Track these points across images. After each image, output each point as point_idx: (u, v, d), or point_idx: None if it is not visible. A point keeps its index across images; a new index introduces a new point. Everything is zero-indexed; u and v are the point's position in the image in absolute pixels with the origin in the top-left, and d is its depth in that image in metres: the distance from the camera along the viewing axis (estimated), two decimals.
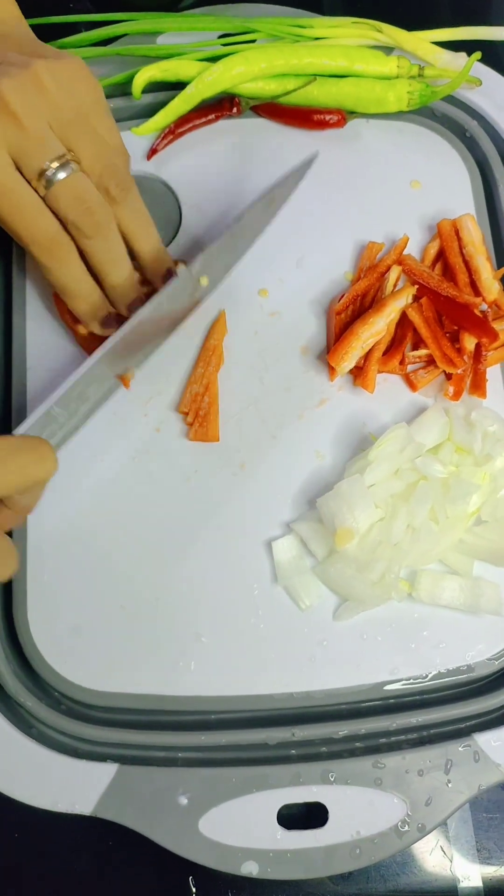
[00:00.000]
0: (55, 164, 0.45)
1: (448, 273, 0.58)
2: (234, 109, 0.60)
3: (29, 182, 0.46)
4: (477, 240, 0.57)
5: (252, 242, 0.55)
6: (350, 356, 0.54)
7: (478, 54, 0.59)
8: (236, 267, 0.56)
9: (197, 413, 0.54)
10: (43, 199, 0.46)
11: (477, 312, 0.55)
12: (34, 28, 0.61)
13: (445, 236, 0.58)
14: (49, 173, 0.45)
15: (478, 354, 0.55)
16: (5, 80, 0.44)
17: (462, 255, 0.57)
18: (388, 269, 0.56)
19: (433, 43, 0.62)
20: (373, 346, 0.55)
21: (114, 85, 0.60)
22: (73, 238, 0.48)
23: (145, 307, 0.49)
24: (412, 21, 0.62)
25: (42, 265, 0.48)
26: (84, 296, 0.50)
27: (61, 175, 0.46)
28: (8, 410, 0.55)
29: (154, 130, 0.59)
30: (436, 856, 0.52)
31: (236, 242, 0.53)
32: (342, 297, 0.56)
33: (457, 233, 0.58)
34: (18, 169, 0.45)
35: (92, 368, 0.48)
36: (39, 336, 0.56)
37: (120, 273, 0.50)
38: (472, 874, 0.52)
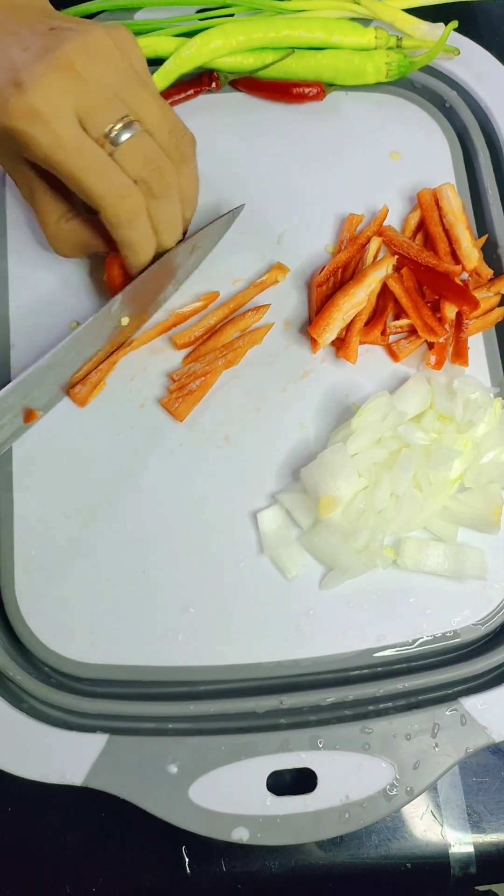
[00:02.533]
0: (119, 125, 0.46)
1: (429, 243, 0.58)
2: (213, 84, 0.60)
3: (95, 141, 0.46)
4: (457, 209, 0.57)
5: (177, 286, 0.56)
6: (331, 328, 0.54)
7: (454, 23, 0.59)
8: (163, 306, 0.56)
9: (182, 388, 0.54)
10: (112, 159, 0.46)
11: (457, 281, 0.55)
12: None
13: (426, 206, 0.58)
14: (114, 134, 0.45)
15: (459, 323, 0.55)
16: (68, 43, 0.44)
17: (442, 224, 0.57)
18: (369, 240, 0.57)
19: (414, 10, 0.62)
20: (354, 318, 0.55)
21: None
22: None
23: (63, 341, 0.50)
24: None
25: (113, 221, 0.47)
26: (147, 252, 0.50)
27: (126, 135, 0.46)
28: None
29: None
30: (427, 821, 0.53)
31: (160, 282, 0.53)
32: (323, 269, 0.56)
33: (437, 202, 0.58)
34: (84, 129, 0.45)
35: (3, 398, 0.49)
36: (25, 312, 0.56)
37: (174, 236, 0.51)
38: (463, 838, 0.52)
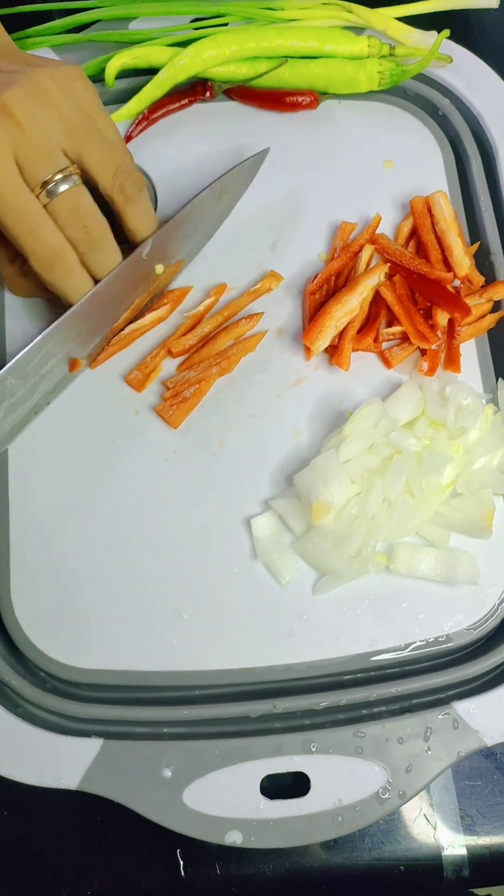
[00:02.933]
0: (59, 176, 0.46)
1: (421, 250, 0.58)
2: (207, 94, 0.61)
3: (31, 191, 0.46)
4: (449, 216, 0.57)
5: (208, 235, 0.56)
6: (324, 335, 0.54)
7: (446, 32, 0.59)
8: (195, 259, 0.56)
9: (177, 395, 0.55)
10: (45, 209, 0.46)
11: (449, 288, 0.55)
12: (7, 17, 0.62)
13: (418, 213, 0.58)
14: (52, 185, 0.45)
15: (451, 330, 0.55)
16: (10, 89, 0.44)
17: (434, 231, 0.58)
18: (361, 248, 0.57)
19: (406, 18, 0.62)
20: (347, 325, 0.55)
21: (87, 72, 0.61)
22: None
23: (98, 286, 0.49)
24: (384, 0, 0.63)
25: (44, 277, 0.48)
26: (81, 294, 0.50)
27: (63, 187, 0.46)
28: None
29: (128, 117, 0.60)
30: (420, 824, 0.53)
31: (188, 230, 0.53)
32: (316, 277, 0.57)
33: (429, 210, 0.58)
34: (22, 177, 0.45)
35: (45, 340, 0.48)
36: (19, 320, 0.57)
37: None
38: (455, 841, 0.53)
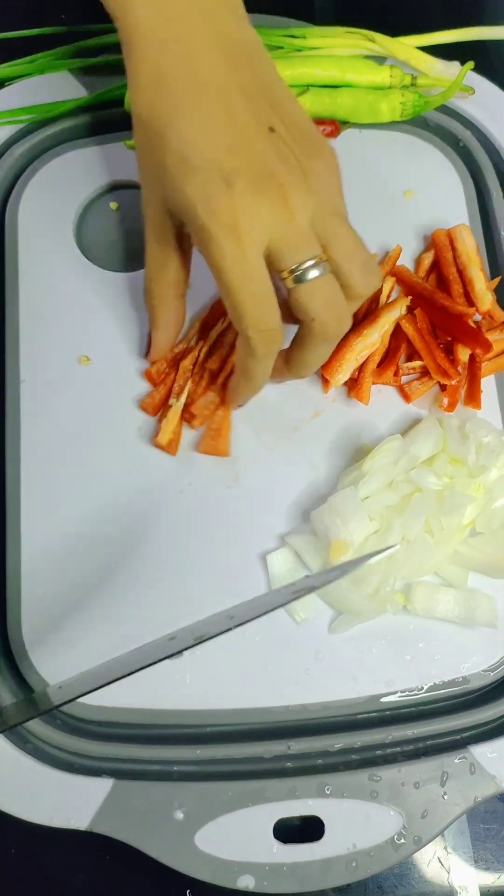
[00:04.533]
0: (310, 263, 0.44)
1: (442, 284, 0.58)
2: None
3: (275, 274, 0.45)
4: (471, 250, 0.57)
5: None
6: (345, 368, 0.54)
7: (471, 64, 0.59)
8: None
9: (209, 425, 0.54)
10: (289, 292, 0.45)
11: (471, 323, 0.55)
12: (27, 39, 0.62)
13: (440, 247, 0.58)
14: (300, 272, 0.44)
15: (472, 365, 0.55)
16: (290, 172, 0.43)
17: (456, 265, 0.57)
18: (382, 280, 0.56)
19: (429, 48, 0.62)
20: (367, 358, 0.55)
21: (106, 97, 0.60)
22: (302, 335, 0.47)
23: None
24: (405, 28, 0.62)
25: (249, 353, 0.46)
26: (257, 390, 0.50)
27: (313, 274, 0.44)
28: (1, 425, 0.55)
29: None
30: (433, 867, 0.52)
31: None
32: None
33: (451, 243, 0.58)
34: (272, 258, 0.44)
35: None
36: (34, 347, 0.56)
37: (307, 375, 0.51)
38: (469, 885, 0.52)
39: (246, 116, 0.44)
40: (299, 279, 0.44)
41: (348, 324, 0.47)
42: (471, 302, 0.56)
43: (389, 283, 0.56)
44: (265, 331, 0.45)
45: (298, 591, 0.45)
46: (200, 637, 0.43)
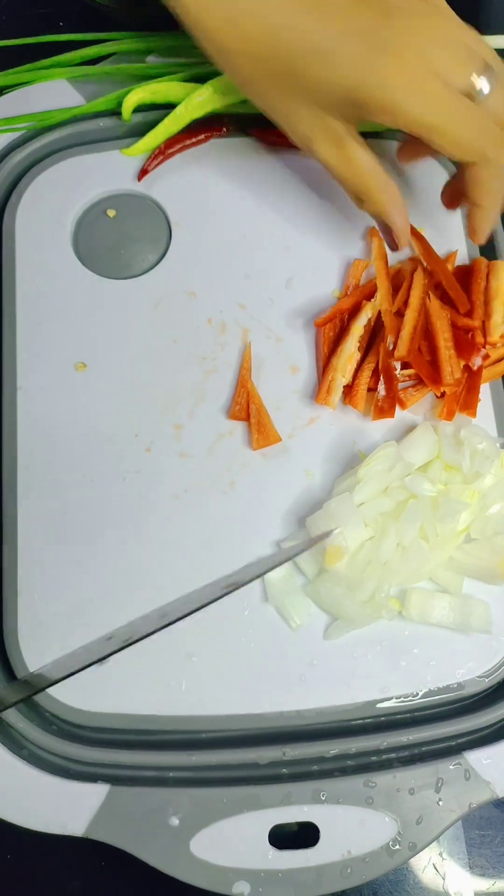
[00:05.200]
0: (478, 76, 0.45)
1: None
2: (224, 129, 0.60)
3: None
4: (503, 285, 0.57)
5: None
6: (334, 388, 0.54)
7: None
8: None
9: (251, 420, 0.55)
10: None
11: (477, 339, 0.55)
12: (23, 48, 0.62)
13: (476, 274, 0.57)
14: (478, 86, 0.45)
15: (472, 374, 0.55)
16: (424, 8, 0.45)
17: (485, 295, 0.57)
18: (374, 290, 0.57)
19: None
20: (363, 365, 0.55)
21: (103, 105, 0.61)
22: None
23: None
24: None
25: (493, 161, 0.47)
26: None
27: (487, 85, 0.45)
28: None
29: (144, 151, 0.59)
30: (428, 873, 0.52)
31: None
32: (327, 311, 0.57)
33: (488, 274, 0.58)
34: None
35: None
36: (31, 354, 0.56)
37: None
38: (464, 891, 0.52)
39: None
40: (478, 94, 0.45)
41: None
42: (484, 330, 0.56)
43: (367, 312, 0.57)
44: (492, 139, 0.46)
45: (231, 585, 0.45)
46: (129, 639, 0.44)
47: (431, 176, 0.62)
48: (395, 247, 0.53)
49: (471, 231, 0.53)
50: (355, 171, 0.50)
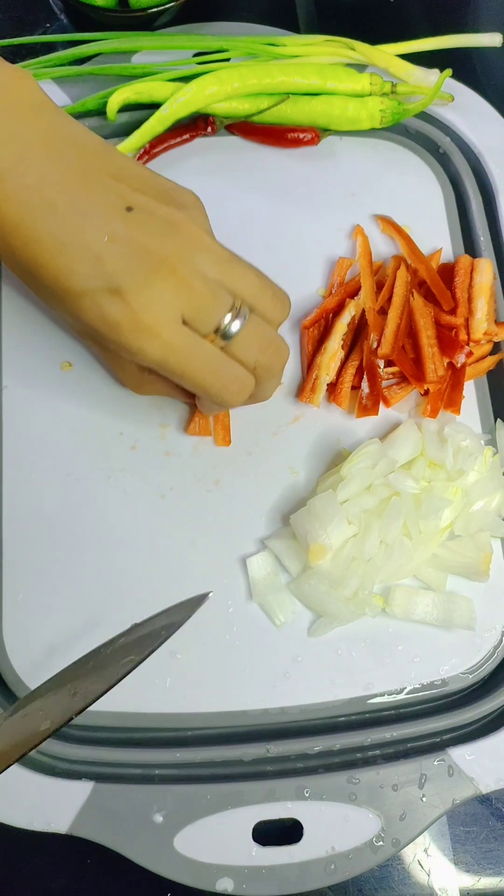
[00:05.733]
0: (228, 317, 0.43)
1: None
2: (209, 129, 0.60)
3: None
4: (486, 283, 0.57)
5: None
6: (318, 387, 0.55)
7: (449, 71, 0.60)
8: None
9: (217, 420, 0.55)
10: (221, 350, 0.44)
11: (461, 339, 0.55)
12: (9, 49, 0.62)
13: (461, 272, 0.58)
14: (224, 327, 0.44)
15: (456, 371, 0.55)
16: (163, 241, 0.42)
17: (469, 292, 0.57)
18: (358, 288, 0.57)
19: (411, 56, 0.62)
20: (346, 364, 0.55)
21: (89, 105, 0.61)
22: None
23: None
24: (386, 36, 0.63)
25: (223, 405, 0.47)
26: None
27: (236, 326, 0.44)
28: None
29: (129, 151, 0.60)
30: (413, 869, 0.52)
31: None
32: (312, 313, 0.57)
33: (471, 272, 0.58)
34: (192, 328, 0.43)
35: None
36: (16, 353, 0.56)
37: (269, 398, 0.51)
38: (449, 887, 0.52)
39: (99, 209, 0.42)
40: (226, 336, 0.44)
41: (286, 350, 0.47)
42: (467, 328, 0.56)
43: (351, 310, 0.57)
44: (233, 387, 0.45)
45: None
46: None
47: (417, 174, 0.62)
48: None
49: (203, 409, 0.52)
50: (121, 377, 0.51)
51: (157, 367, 0.44)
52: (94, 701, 0.42)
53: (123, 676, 0.43)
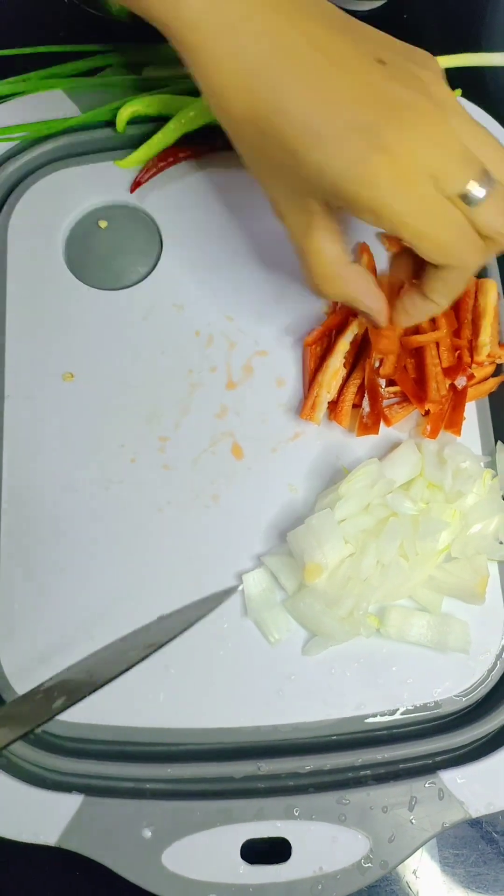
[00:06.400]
0: (477, 182, 0.42)
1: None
2: (217, 143, 0.60)
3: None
4: (491, 304, 0.57)
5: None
6: (319, 405, 0.55)
7: (458, 91, 0.60)
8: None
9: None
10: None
11: (464, 359, 0.55)
12: (20, 58, 0.62)
13: (465, 292, 0.57)
14: (471, 193, 0.42)
15: (457, 393, 0.55)
16: (420, 97, 0.41)
17: (473, 313, 0.57)
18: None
19: None
20: (348, 382, 0.55)
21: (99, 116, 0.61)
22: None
23: None
24: None
25: (463, 271, 0.45)
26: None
27: (483, 191, 0.42)
28: None
29: (137, 164, 0.60)
30: (402, 891, 0.52)
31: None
32: (315, 330, 0.57)
33: (476, 293, 0.58)
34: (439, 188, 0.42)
35: None
36: (19, 363, 0.56)
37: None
38: None
39: (352, 61, 0.41)
40: (471, 200, 0.42)
41: None
42: (471, 349, 0.56)
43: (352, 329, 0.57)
44: (477, 248, 0.44)
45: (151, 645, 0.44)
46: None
47: None
48: (375, 326, 0.51)
49: (400, 314, 0.49)
50: (316, 261, 0.47)
51: (398, 223, 0.42)
52: (110, 680, 0.43)
53: (141, 660, 0.43)
